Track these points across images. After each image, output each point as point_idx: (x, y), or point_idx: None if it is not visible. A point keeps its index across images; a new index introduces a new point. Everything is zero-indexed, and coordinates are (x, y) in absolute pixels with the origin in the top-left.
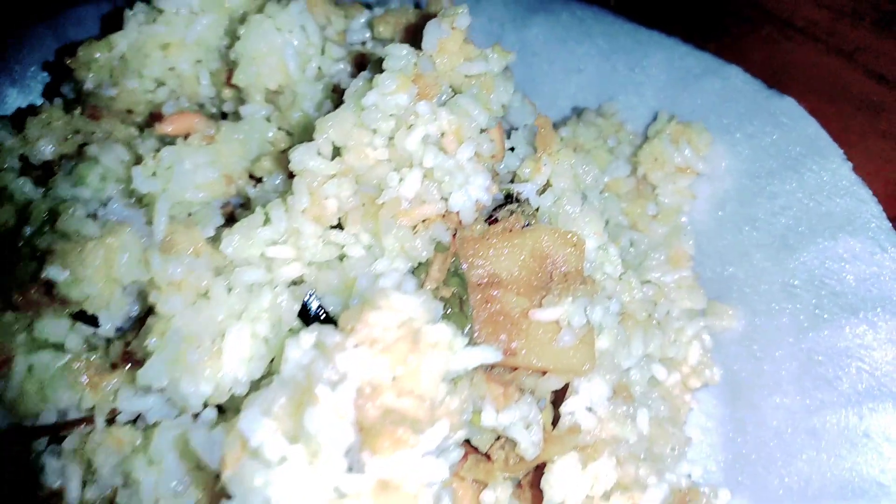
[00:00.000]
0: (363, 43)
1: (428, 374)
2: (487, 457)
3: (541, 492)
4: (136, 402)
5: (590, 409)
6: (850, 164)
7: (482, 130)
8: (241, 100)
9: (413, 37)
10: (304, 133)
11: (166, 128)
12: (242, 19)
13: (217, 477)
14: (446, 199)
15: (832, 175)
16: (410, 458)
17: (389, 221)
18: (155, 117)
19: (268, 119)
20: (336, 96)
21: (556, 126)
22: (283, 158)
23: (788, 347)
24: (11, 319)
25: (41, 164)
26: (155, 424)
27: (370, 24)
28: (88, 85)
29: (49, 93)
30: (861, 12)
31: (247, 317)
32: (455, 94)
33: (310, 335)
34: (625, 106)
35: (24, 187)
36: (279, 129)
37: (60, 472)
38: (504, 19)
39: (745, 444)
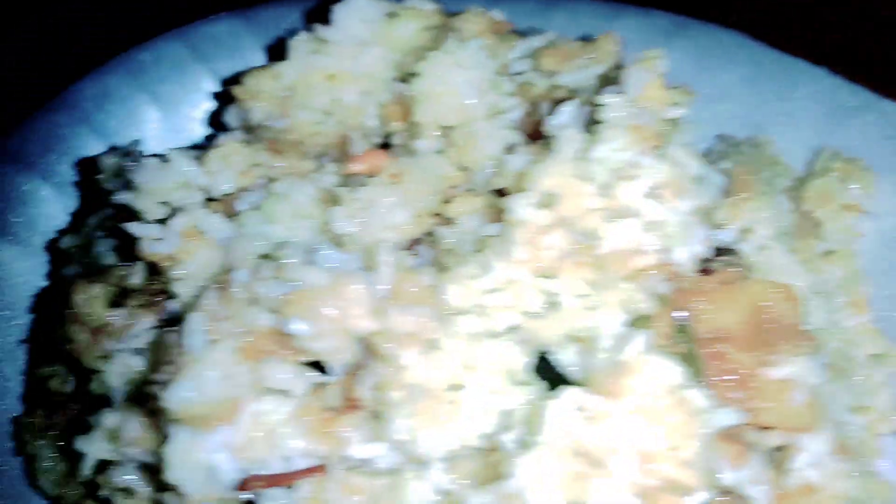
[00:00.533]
0: (520, 73)
1: (695, 439)
2: None
3: None
4: (366, 449)
5: (816, 466)
6: None
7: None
8: (414, 135)
9: (575, 68)
10: (501, 177)
11: (357, 166)
12: (413, 52)
13: None
14: (662, 250)
15: None
16: None
17: (610, 273)
18: (340, 153)
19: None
20: (516, 133)
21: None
22: (472, 200)
23: None
24: (240, 369)
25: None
26: (387, 472)
27: (532, 55)
28: (258, 115)
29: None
30: None
31: (479, 368)
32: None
33: (569, 398)
34: (779, 138)
35: (215, 223)
36: (456, 166)
37: None
38: (639, 44)
39: None
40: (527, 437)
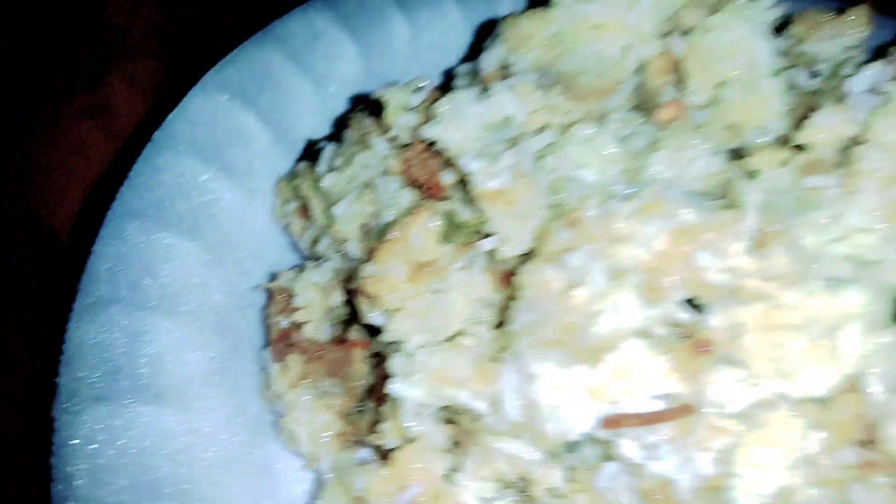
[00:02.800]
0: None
1: None
2: None
3: None
4: (729, 391)
5: None
6: None
7: None
8: (684, 89)
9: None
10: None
11: (665, 113)
12: (681, 10)
13: None
14: None
15: None
16: None
17: None
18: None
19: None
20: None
21: None
22: (776, 152)
23: None
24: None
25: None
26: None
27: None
28: (526, 64)
29: None
30: None
31: (836, 312)
32: None
33: None
34: None
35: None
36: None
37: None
38: None
39: None
40: None
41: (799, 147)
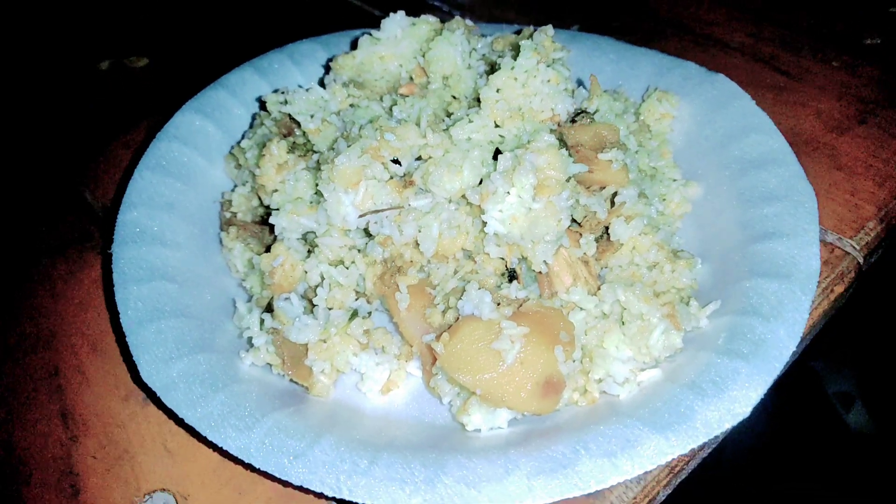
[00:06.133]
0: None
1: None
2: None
3: None
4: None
5: (629, 211)
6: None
7: None
8: (428, 81)
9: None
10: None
11: (405, 91)
12: (427, 39)
13: None
14: None
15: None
16: None
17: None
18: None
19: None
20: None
21: None
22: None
23: None
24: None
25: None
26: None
27: (490, 44)
28: (343, 78)
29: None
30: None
31: None
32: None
33: None
34: (630, 87)
35: (335, 118)
36: (452, 96)
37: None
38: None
39: None
40: None
41: None
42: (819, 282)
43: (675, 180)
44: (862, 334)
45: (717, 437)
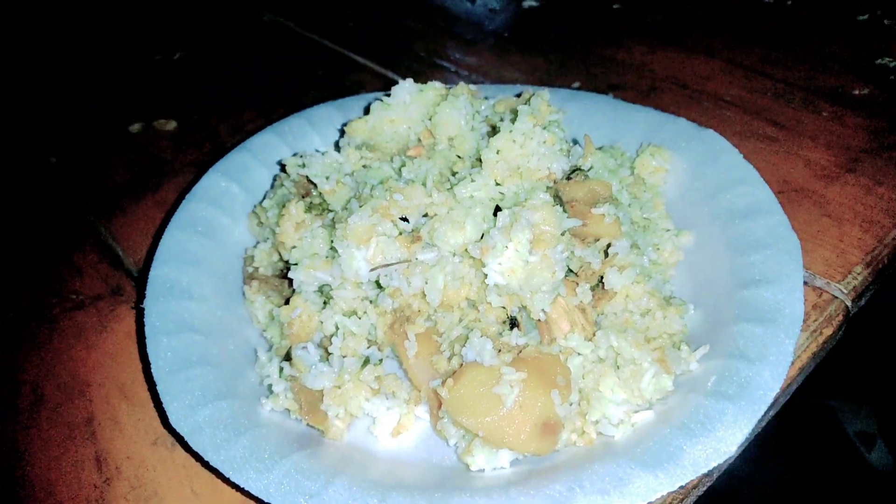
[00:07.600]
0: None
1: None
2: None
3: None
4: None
5: (622, 261)
6: (741, 154)
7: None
8: (434, 142)
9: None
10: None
11: (412, 153)
12: (434, 104)
13: None
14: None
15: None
16: None
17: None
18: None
19: (449, 147)
20: (484, 140)
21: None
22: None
23: None
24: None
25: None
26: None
27: (493, 106)
28: (356, 141)
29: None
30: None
31: None
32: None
33: None
34: (625, 142)
35: (349, 180)
36: (457, 155)
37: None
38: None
39: None
40: None
41: None
42: (808, 325)
43: (667, 230)
44: (877, 373)
45: (709, 473)
